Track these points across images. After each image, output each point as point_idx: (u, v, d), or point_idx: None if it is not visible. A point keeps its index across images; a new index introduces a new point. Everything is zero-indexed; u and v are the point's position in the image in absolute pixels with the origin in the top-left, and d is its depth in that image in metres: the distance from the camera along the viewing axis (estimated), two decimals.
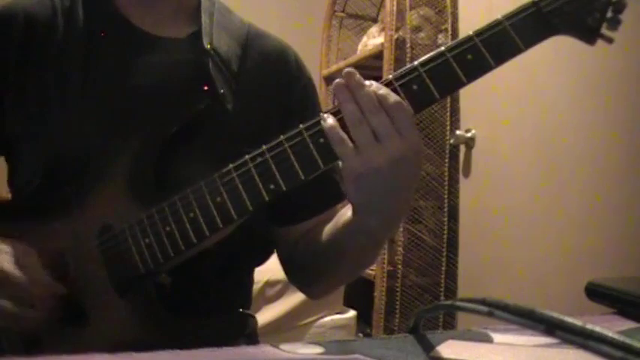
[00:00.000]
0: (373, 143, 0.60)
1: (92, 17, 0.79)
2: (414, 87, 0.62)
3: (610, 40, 0.62)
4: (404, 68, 0.63)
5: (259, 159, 0.63)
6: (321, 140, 0.62)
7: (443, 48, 0.62)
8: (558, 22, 0.61)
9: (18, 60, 0.77)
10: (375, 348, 0.42)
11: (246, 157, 0.64)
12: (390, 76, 0.63)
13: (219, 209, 0.64)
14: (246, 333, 0.85)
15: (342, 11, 2.73)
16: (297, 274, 0.89)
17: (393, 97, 0.61)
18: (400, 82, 0.62)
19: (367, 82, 0.62)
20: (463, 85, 0.62)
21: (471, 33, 0.62)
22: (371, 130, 0.60)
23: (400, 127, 0.60)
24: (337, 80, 0.62)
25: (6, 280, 0.65)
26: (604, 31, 0.61)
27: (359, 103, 0.60)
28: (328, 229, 0.79)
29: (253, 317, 0.88)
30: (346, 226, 0.72)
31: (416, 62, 0.62)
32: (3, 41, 0.77)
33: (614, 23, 0.61)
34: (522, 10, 0.61)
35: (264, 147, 0.64)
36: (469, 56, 0.61)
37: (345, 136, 0.60)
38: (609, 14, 0.61)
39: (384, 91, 0.61)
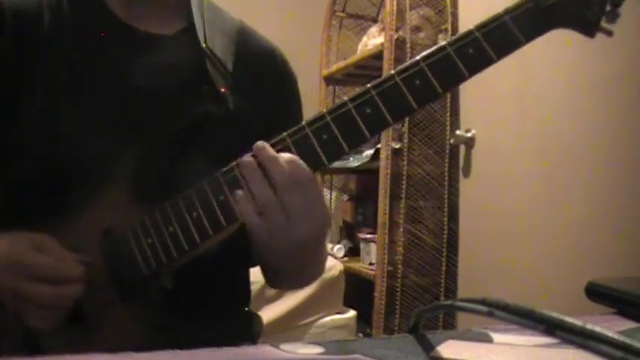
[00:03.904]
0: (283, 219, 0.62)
1: (79, 12, 0.77)
2: (417, 82, 0.62)
3: (609, 33, 0.63)
4: (406, 64, 0.63)
5: None
6: (325, 136, 0.63)
7: (444, 42, 0.63)
8: (558, 16, 0.62)
9: (6, 57, 0.75)
10: (375, 348, 0.42)
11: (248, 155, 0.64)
12: (393, 72, 0.63)
13: (222, 208, 0.64)
14: (253, 333, 0.85)
15: (342, 11, 2.73)
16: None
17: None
18: (402, 77, 0.62)
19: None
20: (465, 79, 0.62)
21: (472, 27, 0.62)
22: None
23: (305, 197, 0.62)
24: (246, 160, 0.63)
25: (33, 265, 0.64)
26: (603, 24, 0.62)
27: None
28: None
29: (258, 317, 0.88)
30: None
31: (418, 57, 0.63)
32: None
33: (613, 17, 0.62)
34: (522, 3, 0.62)
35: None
36: (470, 50, 0.62)
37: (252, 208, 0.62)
38: (608, 8, 0.62)
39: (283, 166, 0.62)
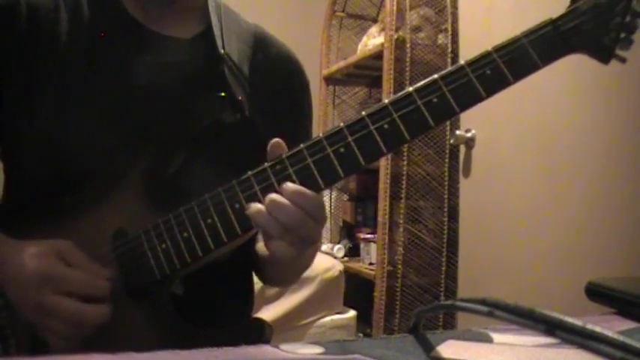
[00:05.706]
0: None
1: (96, 13, 0.77)
2: (434, 100, 0.62)
3: (623, 60, 0.63)
4: (423, 82, 0.63)
5: (278, 166, 0.63)
6: (342, 150, 0.62)
7: (462, 62, 0.63)
8: (575, 41, 0.62)
9: (20, 54, 0.74)
10: (375, 348, 0.42)
11: (266, 164, 0.64)
12: (410, 88, 0.63)
13: (237, 216, 0.64)
14: (264, 340, 0.84)
15: (342, 11, 2.73)
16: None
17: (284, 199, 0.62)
18: (421, 94, 0.62)
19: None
20: (482, 99, 0.63)
21: (490, 49, 0.63)
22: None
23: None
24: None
25: (63, 279, 0.63)
26: (617, 51, 0.63)
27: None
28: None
29: (269, 325, 0.87)
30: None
31: (436, 75, 0.63)
32: (5, 33, 0.75)
33: (627, 43, 0.63)
34: (540, 27, 0.62)
35: (283, 155, 0.64)
36: (488, 71, 0.62)
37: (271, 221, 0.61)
38: (622, 35, 0.62)
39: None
